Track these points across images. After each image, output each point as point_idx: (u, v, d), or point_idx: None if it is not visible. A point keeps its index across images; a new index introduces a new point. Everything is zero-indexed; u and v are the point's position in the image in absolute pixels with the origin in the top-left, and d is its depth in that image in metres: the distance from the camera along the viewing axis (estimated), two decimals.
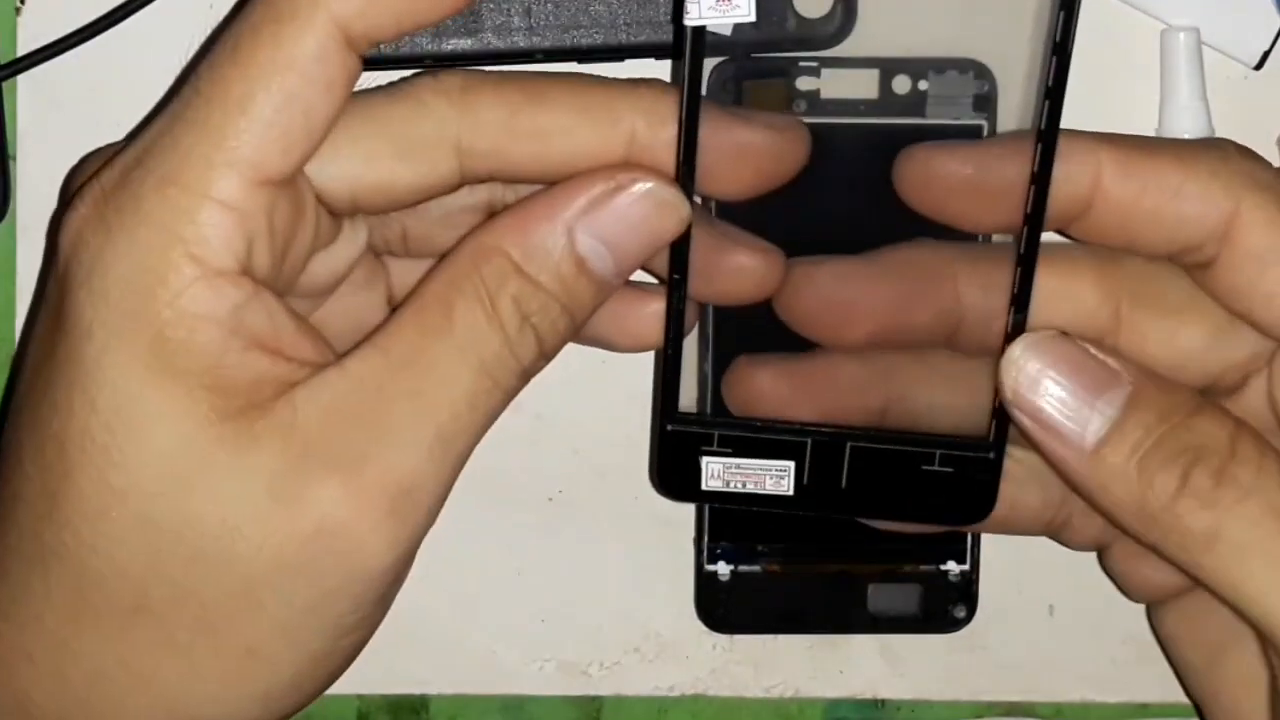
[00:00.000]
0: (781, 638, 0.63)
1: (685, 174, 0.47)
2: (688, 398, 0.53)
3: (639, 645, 0.63)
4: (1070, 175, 0.48)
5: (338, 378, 0.44)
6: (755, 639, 0.63)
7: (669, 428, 0.50)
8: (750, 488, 0.50)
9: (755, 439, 0.49)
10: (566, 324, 0.46)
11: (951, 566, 0.62)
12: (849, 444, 0.49)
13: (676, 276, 0.48)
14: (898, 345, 0.51)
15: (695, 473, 0.50)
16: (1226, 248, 0.47)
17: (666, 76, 0.59)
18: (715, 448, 0.49)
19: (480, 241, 0.46)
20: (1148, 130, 0.60)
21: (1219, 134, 0.60)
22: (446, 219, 0.50)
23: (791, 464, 0.49)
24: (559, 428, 0.62)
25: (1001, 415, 0.48)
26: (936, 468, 0.49)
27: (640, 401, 0.61)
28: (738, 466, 0.49)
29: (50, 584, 0.44)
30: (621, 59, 0.58)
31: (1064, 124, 0.62)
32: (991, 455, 0.50)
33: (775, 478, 0.49)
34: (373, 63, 0.58)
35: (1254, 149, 0.60)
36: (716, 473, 0.50)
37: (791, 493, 0.50)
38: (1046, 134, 0.47)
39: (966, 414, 0.50)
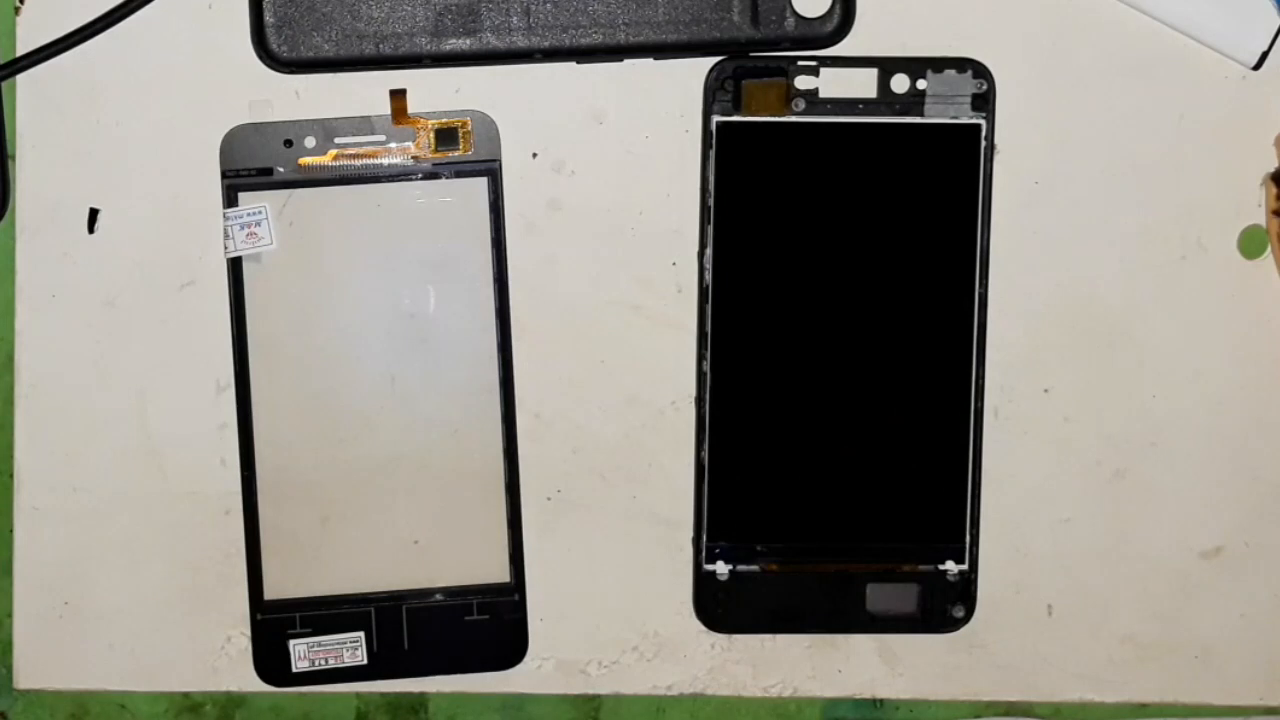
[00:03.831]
0: (780, 637, 0.63)
1: None
2: None
3: (637, 644, 0.63)
4: None
5: None
6: (753, 638, 0.63)
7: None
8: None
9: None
10: None
11: (950, 566, 0.62)
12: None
13: None
14: None
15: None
16: None
17: (666, 76, 0.59)
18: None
19: None
20: (1150, 132, 0.60)
21: (1217, 134, 0.60)
22: None
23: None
24: (559, 428, 0.62)
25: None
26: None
27: (640, 401, 0.61)
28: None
29: None
30: (620, 59, 0.59)
31: (1062, 121, 0.62)
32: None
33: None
34: (370, 63, 0.58)
35: (1252, 149, 0.61)
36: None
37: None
38: None
39: None
